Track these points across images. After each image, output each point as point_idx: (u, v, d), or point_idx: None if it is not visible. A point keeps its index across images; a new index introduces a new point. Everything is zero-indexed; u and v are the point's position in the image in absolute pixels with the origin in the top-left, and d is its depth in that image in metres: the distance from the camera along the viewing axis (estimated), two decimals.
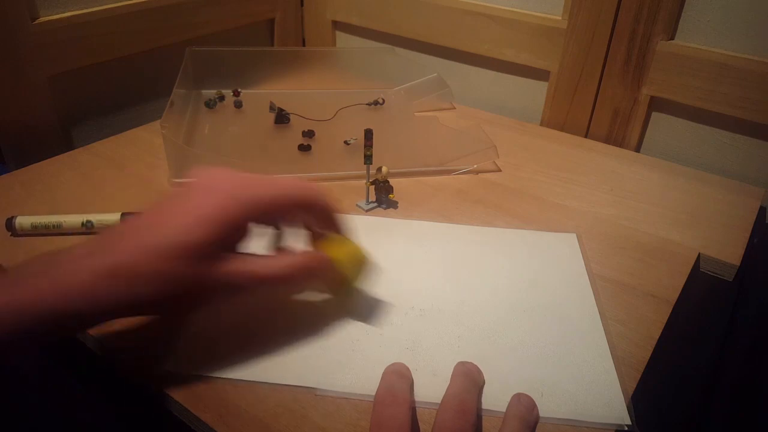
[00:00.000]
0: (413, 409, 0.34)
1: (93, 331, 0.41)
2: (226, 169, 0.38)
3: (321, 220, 0.40)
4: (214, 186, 0.37)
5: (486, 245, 0.53)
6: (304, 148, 0.68)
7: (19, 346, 0.33)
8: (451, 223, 0.56)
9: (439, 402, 0.35)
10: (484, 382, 0.38)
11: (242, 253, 0.38)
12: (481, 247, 0.52)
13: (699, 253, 0.53)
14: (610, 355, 0.41)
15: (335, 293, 0.44)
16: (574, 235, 0.54)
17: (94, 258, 0.34)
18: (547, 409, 0.36)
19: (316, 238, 0.41)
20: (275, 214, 0.39)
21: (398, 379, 0.36)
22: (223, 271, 0.36)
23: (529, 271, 0.49)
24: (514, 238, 0.54)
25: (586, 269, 0.50)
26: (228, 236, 0.36)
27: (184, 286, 0.35)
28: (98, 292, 0.33)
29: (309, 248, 0.41)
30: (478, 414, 0.35)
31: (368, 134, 0.55)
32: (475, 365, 0.38)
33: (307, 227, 0.41)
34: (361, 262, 0.42)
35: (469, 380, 0.36)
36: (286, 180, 0.39)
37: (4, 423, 0.40)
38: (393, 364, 0.38)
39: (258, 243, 0.39)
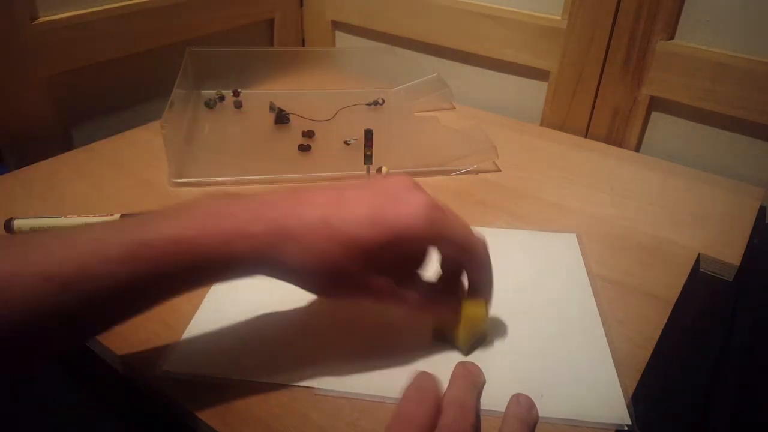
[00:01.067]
0: (439, 410, 0.33)
1: None
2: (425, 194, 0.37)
3: (475, 273, 0.40)
4: (412, 198, 0.36)
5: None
6: (304, 148, 0.68)
7: (174, 284, 0.34)
8: None
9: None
10: (484, 382, 0.38)
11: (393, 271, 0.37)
12: None
13: (699, 253, 0.53)
14: (610, 355, 0.41)
15: (436, 338, 0.42)
16: (574, 235, 0.54)
17: (275, 212, 0.34)
18: (547, 409, 0.36)
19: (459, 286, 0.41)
20: (452, 255, 0.39)
21: (430, 380, 0.35)
22: (372, 277, 0.35)
23: (529, 272, 0.49)
24: (514, 239, 0.54)
25: (586, 269, 0.50)
26: (396, 249, 0.35)
27: (340, 274, 0.35)
28: (269, 246, 0.33)
29: (449, 295, 0.40)
30: (478, 414, 0.35)
31: (368, 134, 0.55)
32: (476, 365, 0.38)
33: (459, 272, 0.41)
34: (479, 332, 0.41)
35: (469, 381, 0.36)
36: (468, 227, 0.38)
37: (4, 423, 0.40)
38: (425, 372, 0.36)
39: None
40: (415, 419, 0.32)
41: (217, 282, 0.36)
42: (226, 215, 0.34)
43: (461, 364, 0.38)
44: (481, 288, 0.40)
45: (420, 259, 0.39)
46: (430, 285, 0.40)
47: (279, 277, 0.36)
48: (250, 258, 0.34)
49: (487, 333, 0.42)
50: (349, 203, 0.36)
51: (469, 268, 0.39)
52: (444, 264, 0.40)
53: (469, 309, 0.39)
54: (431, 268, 0.40)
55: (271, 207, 0.35)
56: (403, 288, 0.37)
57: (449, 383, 0.36)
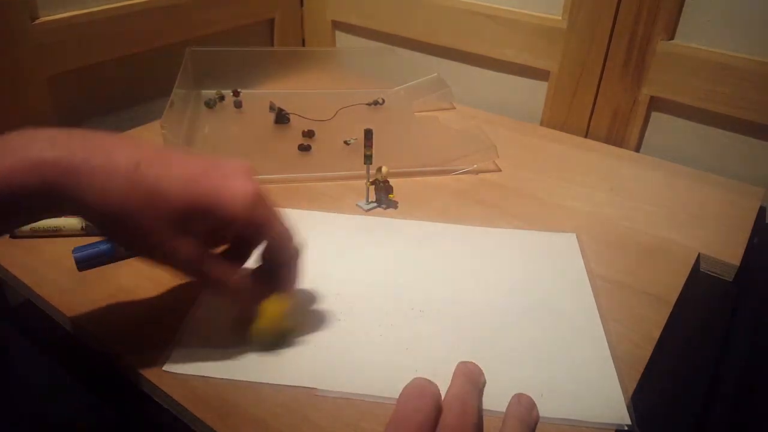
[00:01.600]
0: (439, 409, 0.33)
1: (93, 331, 0.41)
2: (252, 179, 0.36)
3: (284, 269, 0.39)
4: (240, 181, 0.35)
5: (485, 245, 0.53)
6: (304, 148, 0.68)
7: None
8: (450, 224, 0.56)
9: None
10: (485, 382, 0.38)
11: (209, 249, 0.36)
12: (481, 248, 0.52)
13: (699, 253, 0.53)
14: (609, 355, 0.41)
15: (235, 327, 0.41)
16: (574, 235, 0.54)
17: (83, 147, 0.33)
18: (547, 409, 0.36)
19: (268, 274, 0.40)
20: (267, 248, 0.38)
21: (428, 383, 0.35)
22: (175, 242, 0.34)
23: (529, 271, 0.49)
24: (514, 239, 0.54)
25: (586, 269, 0.50)
26: (205, 225, 0.35)
27: (134, 227, 0.33)
28: (58, 179, 0.32)
29: (255, 285, 0.39)
30: (480, 414, 0.34)
31: (368, 134, 0.55)
32: (476, 365, 0.38)
33: (266, 257, 0.40)
34: (277, 330, 0.40)
35: (470, 380, 0.36)
36: (288, 227, 0.38)
37: (4, 423, 0.40)
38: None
39: None
40: (414, 418, 0.32)
41: (31, 218, 0.34)
42: (25, 146, 0.32)
43: (462, 363, 0.38)
44: (286, 284, 0.39)
45: (227, 239, 0.38)
46: (238, 272, 0.39)
47: (78, 215, 0.34)
48: (38, 191, 0.31)
49: (289, 332, 0.41)
50: (171, 160, 0.34)
51: (278, 266, 0.39)
52: (262, 258, 0.40)
53: (270, 305, 0.39)
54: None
55: (82, 141, 0.33)
56: (205, 259, 0.36)
57: (451, 383, 0.36)
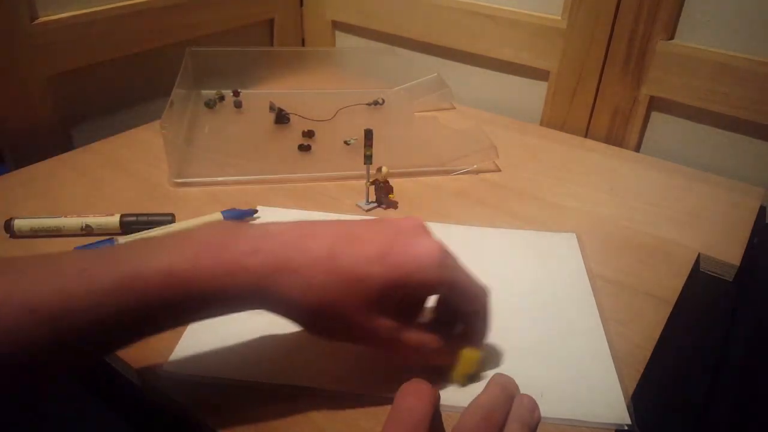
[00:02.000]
0: (436, 406, 0.33)
1: None
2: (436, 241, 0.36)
3: (476, 324, 0.39)
4: (423, 241, 0.35)
5: (485, 245, 0.53)
6: (304, 148, 0.68)
7: (166, 317, 0.32)
8: (450, 224, 0.56)
9: (444, 404, 0.35)
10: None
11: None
12: (481, 248, 0.52)
13: (699, 253, 0.53)
14: (609, 355, 0.41)
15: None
16: (574, 234, 0.54)
17: (280, 246, 0.33)
18: (546, 408, 0.36)
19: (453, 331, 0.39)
20: (456, 303, 0.38)
21: (425, 382, 0.35)
22: (374, 319, 0.34)
23: (529, 271, 0.49)
24: (514, 239, 0.54)
25: (586, 269, 0.50)
26: (402, 292, 0.34)
27: (337, 313, 0.33)
28: (268, 282, 0.32)
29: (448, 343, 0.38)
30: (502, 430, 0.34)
31: (368, 134, 0.55)
32: (513, 380, 0.36)
33: (456, 319, 0.39)
34: (470, 374, 0.39)
35: (504, 394, 0.35)
36: (475, 276, 0.37)
37: (4, 423, 0.40)
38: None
39: None
40: (410, 417, 0.31)
41: (213, 316, 0.34)
42: (223, 246, 0.33)
43: (499, 375, 0.36)
44: (479, 338, 0.39)
45: (421, 304, 0.38)
46: (428, 330, 0.38)
47: (277, 312, 0.34)
48: (247, 292, 0.32)
49: (477, 371, 0.40)
50: (358, 240, 0.34)
51: (470, 318, 0.38)
52: (441, 310, 0.39)
53: (463, 359, 0.38)
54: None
55: (273, 238, 0.34)
56: (403, 332, 0.36)
57: (482, 391, 0.35)
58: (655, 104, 0.73)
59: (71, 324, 0.29)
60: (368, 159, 0.56)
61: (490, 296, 0.38)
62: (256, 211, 0.55)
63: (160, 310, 0.31)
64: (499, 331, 0.43)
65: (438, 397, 0.34)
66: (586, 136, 0.78)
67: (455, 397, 0.36)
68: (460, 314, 0.38)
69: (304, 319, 0.35)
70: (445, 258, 0.35)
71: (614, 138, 0.76)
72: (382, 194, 0.58)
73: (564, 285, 0.48)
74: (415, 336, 0.36)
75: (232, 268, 0.32)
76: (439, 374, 0.38)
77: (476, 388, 0.36)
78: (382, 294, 0.33)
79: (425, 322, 0.38)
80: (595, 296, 0.46)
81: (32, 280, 0.30)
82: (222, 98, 0.80)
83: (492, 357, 0.40)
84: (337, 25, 0.99)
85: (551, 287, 0.48)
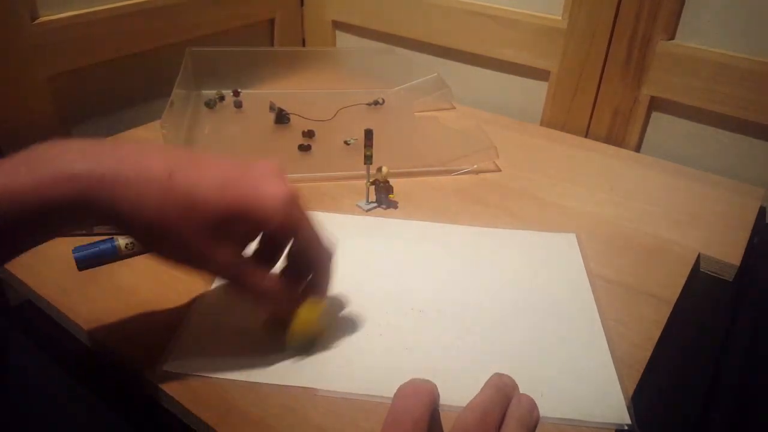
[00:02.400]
0: (435, 405, 0.33)
1: (93, 331, 0.41)
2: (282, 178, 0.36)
3: (318, 273, 0.39)
4: (274, 181, 0.35)
5: (485, 245, 0.53)
6: (304, 148, 0.68)
7: (19, 231, 0.32)
8: (450, 224, 0.56)
9: (443, 404, 0.35)
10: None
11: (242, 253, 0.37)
12: (481, 248, 0.52)
13: (699, 253, 0.53)
14: (609, 355, 0.41)
15: (266, 328, 0.41)
16: (573, 234, 0.54)
17: (116, 158, 0.32)
18: (546, 408, 0.36)
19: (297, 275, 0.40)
20: (299, 249, 0.38)
21: (424, 381, 0.35)
22: (215, 247, 0.34)
23: (529, 271, 0.49)
24: (514, 239, 0.54)
25: (586, 269, 0.50)
26: (242, 227, 0.35)
27: (171, 234, 0.33)
28: (97, 193, 0.32)
29: (290, 289, 0.39)
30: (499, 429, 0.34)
31: (368, 134, 0.55)
32: (512, 379, 0.36)
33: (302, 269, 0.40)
34: (310, 334, 0.40)
35: (501, 394, 0.35)
36: (319, 229, 0.38)
37: (4, 423, 0.40)
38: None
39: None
40: (409, 417, 0.32)
41: (56, 231, 0.34)
42: (56, 159, 0.32)
43: (498, 375, 0.36)
44: (320, 288, 0.39)
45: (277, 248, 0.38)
46: (272, 276, 0.38)
47: (109, 224, 0.34)
48: (74, 202, 0.31)
49: (320, 334, 0.41)
50: (204, 166, 0.34)
51: (314, 266, 0.39)
52: (290, 263, 0.39)
53: (304, 310, 0.38)
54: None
55: (109, 152, 0.33)
56: (245, 266, 0.36)
57: (480, 390, 0.35)
58: (656, 104, 0.73)
59: None
60: (368, 159, 0.56)
61: (334, 252, 0.38)
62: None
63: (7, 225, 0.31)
64: (498, 331, 0.43)
65: (437, 397, 0.34)
66: (586, 136, 0.78)
67: (454, 397, 0.36)
68: (300, 263, 0.38)
69: (136, 234, 0.35)
70: (292, 202, 0.35)
71: (614, 138, 0.76)
72: (382, 194, 0.58)
73: (564, 285, 0.48)
74: (257, 272, 0.36)
75: (57, 178, 0.31)
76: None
77: (476, 388, 0.36)
78: (221, 221, 0.33)
79: (276, 271, 0.38)
80: (594, 296, 0.47)
81: None
82: (222, 98, 0.80)
83: (492, 356, 0.40)
84: (337, 25, 0.99)
85: (551, 287, 0.48)
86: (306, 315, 0.39)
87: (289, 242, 0.38)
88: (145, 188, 0.32)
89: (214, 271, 0.36)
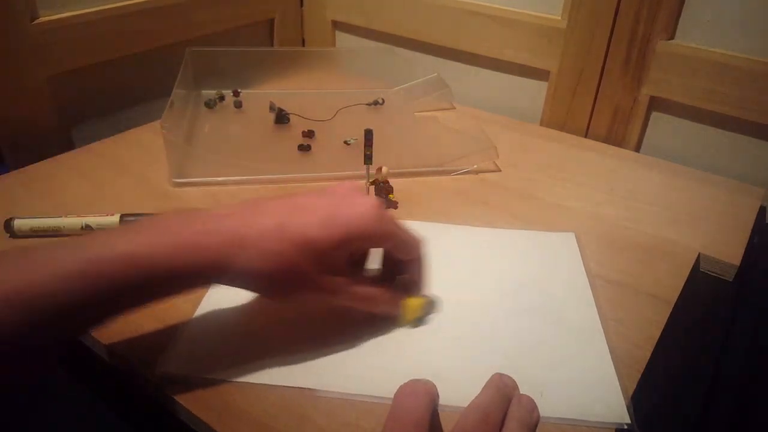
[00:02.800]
0: (434, 405, 0.33)
1: (93, 331, 0.41)
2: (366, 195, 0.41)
3: (415, 271, 0.44)
4: (361, 201, 0.39)
5: (484, 245, 0.53)
6: (304, 148, 0.68)
7: (121, 300, 0.34)
8: (450, 224, 0.56)
9: (443, 404, 0.35)
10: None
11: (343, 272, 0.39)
12: (480, 248, 0.52)
13: (699, 253, 0.53)
14: (608, 354, 0.41)
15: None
16: (572, 233, 0.54)
17: (231, 223, 0.36)
18: (546, 408, 0.36)
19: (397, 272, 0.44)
20: (396, 253, 0.42)
21: (423, 381, 0.35)
22: (327, 275, 0.38)
23: (528, 271, 0.49)
24: (512, 238, 0.54)
25: (585, 268, 0.50)
26: (348, 248, 0.39)
27: (295, 275, 0.37)
28: (220, 256, 0.35)
29: (394, 292, 0.43)
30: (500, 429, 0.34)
31: (368, 134, 0.55)
32: (513, 379, 0.37)
33: (397, 270, 0.44)
34: (419, 315, 0.44)
35: (501, 395, 0.35)
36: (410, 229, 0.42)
37: (4, 423, 0.40)
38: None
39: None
40: (409, 417, 0.32)
41: (176, 295, 0.37)
42: (181, 230, 0.35)
43: (498, 375, 0.37)
44: (418, 285, 0.44)
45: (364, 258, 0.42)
46: (374, 283, 0.42)
47: (237, 285, 0.37)
48: (205, 270, 0.35)
49: (426, 311, 0.44)
50: (303, 209, 0.38)
51: (409, 266, 0.43)
52: (384, 266, 0.43)
53: (411, 304, 0.43)
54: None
55: (228, 218, 0.37)
56: (353, 285, 0.40)
57: (481, 391, 0.35)
58: (655, 104, 0.73)
59: (41, 308, 0.31)
60: (368, 159, 0.56)
61: (425, 245, 0.43)
62: None
63: (122, 291, 0.34)
64: (498, 331, 0.43)
65: (436, 397, 0.34)
66: (586, 136, 0.78)
67: (454, 397, 0.36)
68: (400, 264, 0.43)
69: (262, 286, 0.38)
70: (381, 212, 0.39)
71: (614, 138, 0.76)
72: (383, 194, 0.58)
73: (563, 284, 0.48)
74: (364, 289, 0.40)
75: (189, 248, 0.35)
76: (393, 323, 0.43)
77: (475, 388, 0.36)
78: (330, 253, 0.37)
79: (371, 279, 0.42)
80: (594, 295, 0.46)
81: (5, 270, 0.32)
82: (222, 98, 0.80)
83: (491, 356, 0.40)
84: (337, 25, 0.99)
85: (550, 287, 0.48)
86: (413, 307, 0.43)
87: (388, 249, 0.42)
88: (264, 244, 0.36)
89: (333, 298, 0.39)
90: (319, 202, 0.39)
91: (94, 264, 0.33)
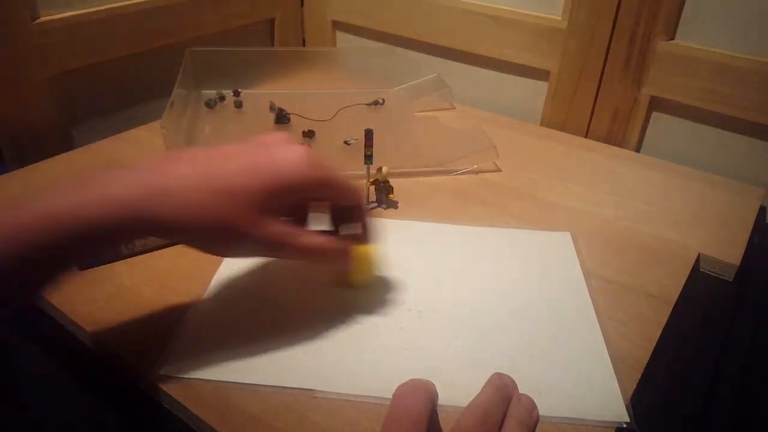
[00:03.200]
0: (433, 404, 0.33)
1: (93, 331, 0.41)
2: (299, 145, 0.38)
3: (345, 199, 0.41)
4: (290, 148, 0.37)
5: (483, 245, 0.53)
6: None
7: (54, 260, 0.34)
8: (450, 224, 0.56)
9: (442, 404, 0.35)
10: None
11: (285, 221, 0.38)
12: (479, 248, 0.52)
13: (699, 253, 0.53)
14: (606, 352, 0.41)
15: (338, 284, 0.45)
16: (568, 233, 0.54)
17: (150, 174, 0.35)
18: (545, 408, 0.36)
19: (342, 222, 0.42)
20: (317, 194, 0.40)
21: (422, 381, 0.35)
22: (265, 226, 0.36)
23: (525, 270, 0.49)
24: (509, 238, 0.54)
25: (581, 266, 0.50)
26: (280, 199, 0.37)
27: (226, 227, 0.35)
28: (142, 207, 0.34)
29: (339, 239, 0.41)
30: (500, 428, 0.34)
31: (368, 134, 0.55)
32: (512, 379, 0.37)
33: (336, 205, 0.42)
34: (372, 264, 0.43)
35: (501, 394, 0.35)
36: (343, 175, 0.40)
37: (4, 423, 0.40)
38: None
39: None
40: (407, 416, 0.32)
41: (105, 250, 0.36)
42: (103, 186, 0.34)
43: (498, 375, 0.37)
44: (366, 234, 0.42)
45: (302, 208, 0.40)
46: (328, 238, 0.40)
47: (163, 236, 0.36)
48: (131, 222, 0.34)
49: (378, 262, 0.44)
50: (228, 157, 0.37)
51: (352, 215, 0.41)
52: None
53: (362, 254, 0.42)
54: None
55: (149, 170, 0.35)
56: (298, 236, 0.38)
57: (480, 391, 0.35)
58: (656, 104, 0.73)
59: None
60: (368, 159, 0.56)
61: (359, 191, 0.41)
62: None
63: (55, 250, 0.33)
64: (496, 330, 0.43)
65: (435, 396, 0.34)
66: (586, 136, 0.78)
67: (453, 397, 0.36)
68: (342, 211, 0.41)
69: (196, 239, 0.37)
70: (312, 159, 0.37)
71: (614, 138, 0.76)
72: (383, 194, 0.58)
73: (559, 283, 0.48)
74: (309, 239, 0.38)
75: (112, 202, 0.33)
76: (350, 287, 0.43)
77: (475, 388, 0.36)
78: (262, 201, 0.36)
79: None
80: (591, 293, 0.47)
81: None
82: (222, 98, 0.80)
83: (490, 356, 0.40)
84: (337, 25, 0.99)
85: (547, 286, 0.48)
86: (364, 258, 0.42)
87: (322, 198, 0.40)
88: (184, 193, 0.34)
89: (268, 247, 0.38)
90: (246, 149, 0.37)
91: (17, 229, 0.32)
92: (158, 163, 0.36)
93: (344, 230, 0.41)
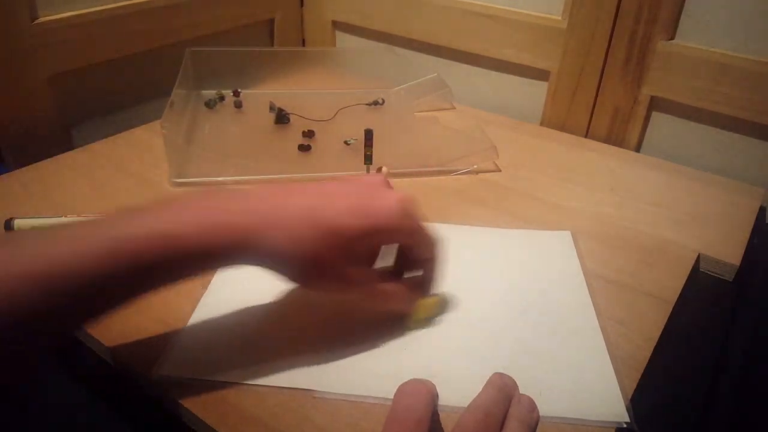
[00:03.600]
0: (435, 404, 0.33)
1: (94, 332, 0.41)
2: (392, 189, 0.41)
3: (429, 269, 0.43)
4: (390, 194, 0.39)
5: (483, 245, 0.53)
6: (304, 148, 0.68)
7: (159, 279, 0.34)
8: (450, 224, 0.56)
9: (443, 404, 0.35)
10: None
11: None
12: (479, 248, 0.52)
13: (699, 253, 0.53)
14: (606, 352, 0.41)
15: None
16: (569, 232, 0.54)
17: (265, 204, 0.36)
18: (545, 408, 0.36)
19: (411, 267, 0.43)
20: (415, 249, 0.42)
21: (423, 381, 0.35)
22: (348, 266, 0.38)
23: (525, 270, 0.49)
24: (509, 238, 0.54)
25: (581, 266, 0.50)
26: (371, 240, 0.38)
27: (319, 261, 0.36)
28: (253, 237, 0.35)
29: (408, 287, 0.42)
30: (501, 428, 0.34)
31: (368, 134, 0.55)
32: (513, 379, 0.37)
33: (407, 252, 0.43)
34: (432, 314, 0.44)
35: (501, 394, 0.35)
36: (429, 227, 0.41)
37: (5, 423, 0.40)
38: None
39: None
40: (409, 417, 0.32)
41: (204, 272, 0.37)
42: (210, 209, 0.35)
43: (498, 374, 0.37)
44: (431, 284, 0.43)
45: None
46: (400, 285, 0.42)
47: (262, 265, 0.37)
48: (233, 249, 0.35)
49: (440, 310, 0.44)
50: (333, 196, 0.38)
51: (424, 265, 0.42)
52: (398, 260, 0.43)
53: (424, 303, 0.43)
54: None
55: (257, 198, 0.37)
56: (376, 281, 0.40)
57: (481, 390, 0.35)
58: (656, 104, 0.73)
59: (62, 288, 0.30)
60: (368, 159, 0.56)
61: (442, 245, 0.42)
62: None
63: (151, 271, 0.33)
64: (496, 330, 0.43)
65: (436, 396, 0.34)
66: (586, 136, 0.78)
67: (454, 397, 0.36)
68: (418, 261, 0.42)
69: (288, 269, 0.37)
70: (409, 207, 0.39)
71: (614, 138, 0.76)
72: None
73: (559, 283, 0.48)
74: (384, 284, 0.40)
75: (219, 227, 0.34)
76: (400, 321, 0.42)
77: (475, 388, 0.36)
78: (355, 243, 0.37)
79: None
80: (591, 293, 0.46)
81: (26, 249, 0.31)
82: (222, 98, 0.80)
83: (490, 356, 0.40)
84: (337, 25, 0.99)
85: (548, 286, 0.48)
86: (426, 306, 0.43)
87: (410, 245, 0.42)
88: (294, 226, 0.36)
89: (344, 288, 0.39)
90: (348, 191, 0.39)
91: (121, 243, 0.32)
92: (269, 193, 0.38)
93: (408, 273, 0.42)
